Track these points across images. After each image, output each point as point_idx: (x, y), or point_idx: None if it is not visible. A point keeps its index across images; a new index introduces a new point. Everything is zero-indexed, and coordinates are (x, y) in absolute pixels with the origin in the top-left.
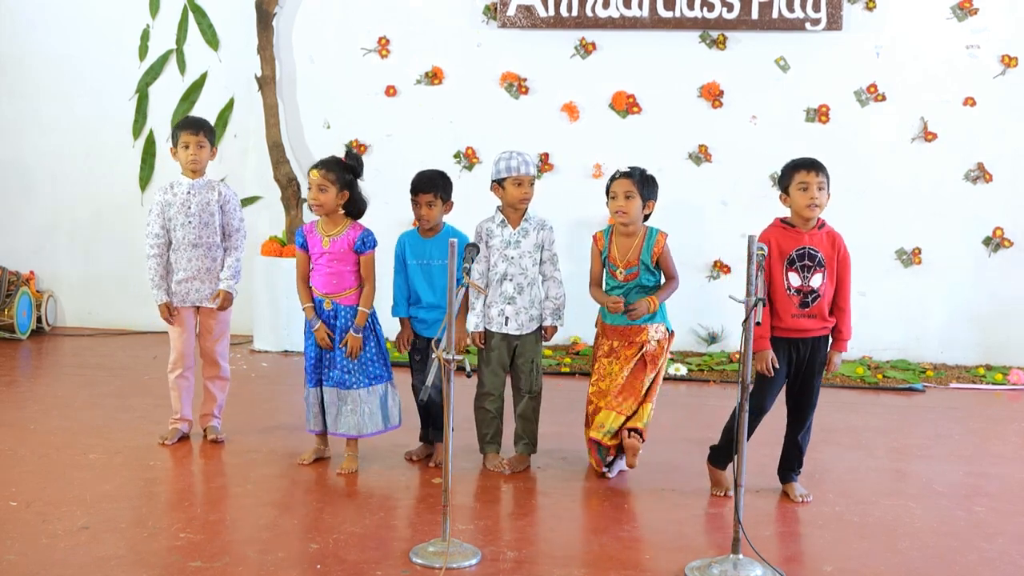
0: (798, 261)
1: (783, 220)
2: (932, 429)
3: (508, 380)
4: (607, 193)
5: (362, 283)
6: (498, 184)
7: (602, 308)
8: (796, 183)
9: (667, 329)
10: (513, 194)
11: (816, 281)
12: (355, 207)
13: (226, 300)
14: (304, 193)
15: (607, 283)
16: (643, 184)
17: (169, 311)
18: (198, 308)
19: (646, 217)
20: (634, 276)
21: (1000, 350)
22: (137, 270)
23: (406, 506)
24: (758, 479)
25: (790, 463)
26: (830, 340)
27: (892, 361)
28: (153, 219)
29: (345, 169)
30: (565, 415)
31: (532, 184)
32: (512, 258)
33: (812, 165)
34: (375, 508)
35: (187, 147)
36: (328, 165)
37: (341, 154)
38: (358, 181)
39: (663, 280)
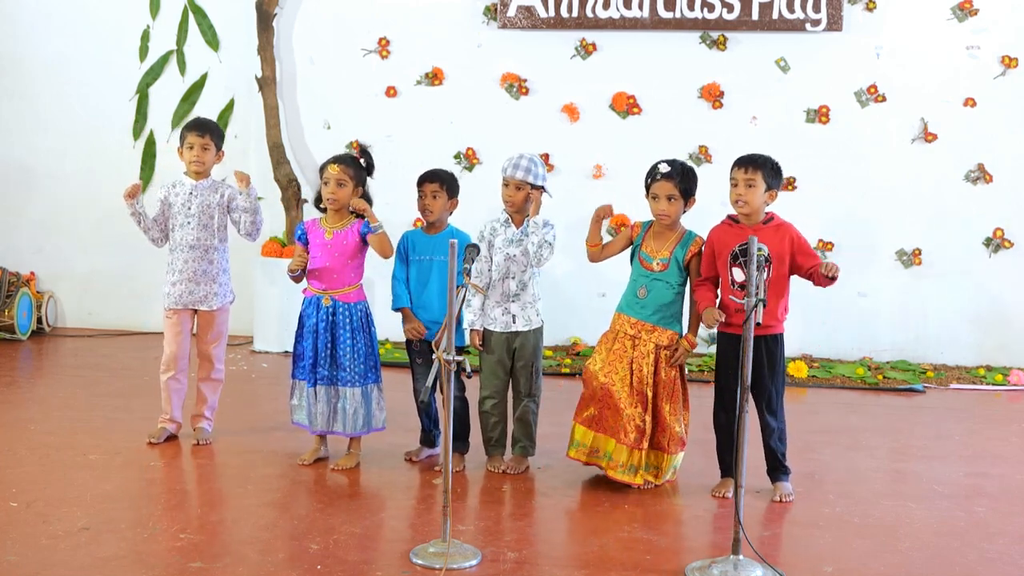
0: (741, 256)
1: (731, 217)
2: (932, 430)
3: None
4: (647, 189)
5: (362, 279)
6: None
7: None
8: (730, 180)
9: (677, 333)
10: (502, 193)
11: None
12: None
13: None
14: (305, 194)
15: (638, 274)
16: (683, 182)
17: (134, 189)
18: (195, 312)
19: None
20: (664, 267)
21: (1000, 351)
22: (137, 270)
23: (406, 506)
24: (759, 480)
25: (768, 463)
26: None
27: (892, 362)
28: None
29: (360, 167)
30: (565, 416)
31: (519, 188)
32: (514, 256)
33: (742, 162)
34: (375, 508)
35: (191, 148)
36: (347, 161)
37: (343, 153)
38: (368, 181)
39: (687, 287)
